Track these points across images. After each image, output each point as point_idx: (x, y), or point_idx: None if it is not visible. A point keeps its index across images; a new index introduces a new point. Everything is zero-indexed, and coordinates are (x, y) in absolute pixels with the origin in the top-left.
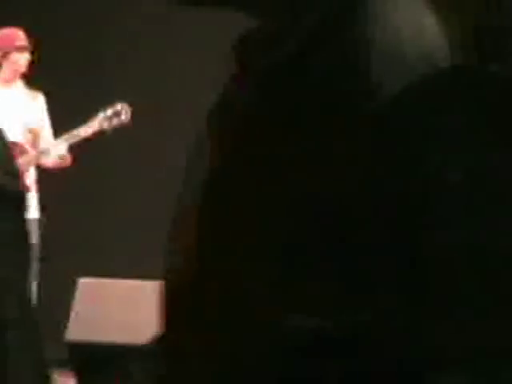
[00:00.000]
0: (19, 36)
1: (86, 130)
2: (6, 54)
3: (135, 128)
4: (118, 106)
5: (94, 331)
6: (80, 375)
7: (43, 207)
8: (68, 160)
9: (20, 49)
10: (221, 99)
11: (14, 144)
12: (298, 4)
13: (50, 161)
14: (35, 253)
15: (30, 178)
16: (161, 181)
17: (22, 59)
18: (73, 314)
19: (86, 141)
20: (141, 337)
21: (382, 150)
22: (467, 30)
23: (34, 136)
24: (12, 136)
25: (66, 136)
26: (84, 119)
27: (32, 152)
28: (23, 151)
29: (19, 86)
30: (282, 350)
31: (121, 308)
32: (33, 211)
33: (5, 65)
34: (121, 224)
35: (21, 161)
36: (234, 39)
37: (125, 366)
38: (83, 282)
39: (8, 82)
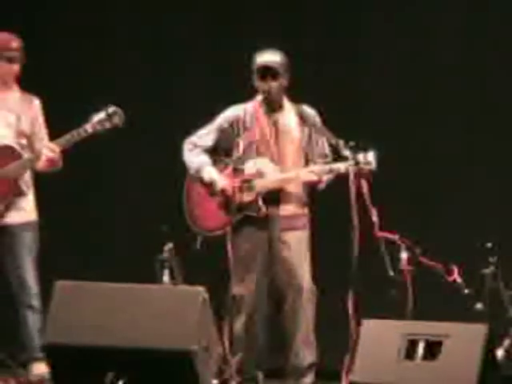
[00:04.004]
0: (9, 45)
1: (79, 133)
2: None
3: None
4: (111, 109)
5: (71, 334)
6: (57, 376)
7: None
8: (59, 164)
9: (7, 59)
10: None
11: (9, 148)
12: None
13: (41, 164)
14: (32, 254)
15: (26, 181)
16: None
17: (9, 69)
18: (50, 317)
19: (80, 144)
20: (118, 339)
21: None
22: None
23: (29, 140)
24: (7, 140)
25: (60, 139)
26: (78, 123)
27: (26, 156)
28: (18, 155)
29: (14, 90)
30: None
31: (98, 311)
32: (30, 214)
33: None
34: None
35: (15, 165)
36: None
37: (101, 368)
38: (60, 284)
39: (1, 88)
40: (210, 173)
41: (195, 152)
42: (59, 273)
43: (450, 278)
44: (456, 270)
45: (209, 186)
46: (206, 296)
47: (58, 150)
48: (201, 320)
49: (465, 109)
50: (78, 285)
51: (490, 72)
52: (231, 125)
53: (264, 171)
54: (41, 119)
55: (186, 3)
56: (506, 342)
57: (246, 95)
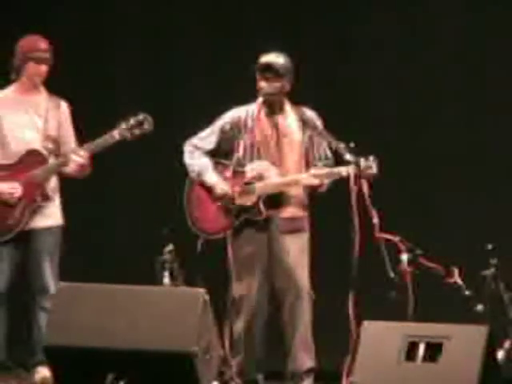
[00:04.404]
0: (40, 46)
1: (107, 140)
2: (25, 62)
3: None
4: (141, 116)
5: (72, 335)
6: (57, 378)
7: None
8: (88, 169)
9: (36, 60)
10: None
11: (36, 152)
12: None
13: (70, 169)
14: (54, 259)
15: (52, 186)
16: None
17: (38, 70)
18: (51, 318)
19: (108, 150)
20: (118, 341)
21: None
22: None
23: (56, 144)
24: (34, 144)
25: (88, 145)
26: (106, 129)
27: (53, 160)
28: (44, 160)
29: (42, 92)
30: None
31: (98, 312)
32: (55, 219)
33: (23, 73)
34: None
35: (42, 169)
36: None
37: (102, 370)
38: (61, 285)
39: (29, 90)
40: (212, 177)
41: (196, 154)
42: (60, 274)
43: (451, 280)
44: (456, 272)
45: (210, 189)
46: (207, 298)
47: (86, 155)
48: (201, 321)
49: (465, 109)
50: (78, 286)
51: (490, 72)
52: (232, 127)
53: (265, 174)
54: (68, 123)
55: (187, 3)
56: (507, 344)
57: (247, 97)
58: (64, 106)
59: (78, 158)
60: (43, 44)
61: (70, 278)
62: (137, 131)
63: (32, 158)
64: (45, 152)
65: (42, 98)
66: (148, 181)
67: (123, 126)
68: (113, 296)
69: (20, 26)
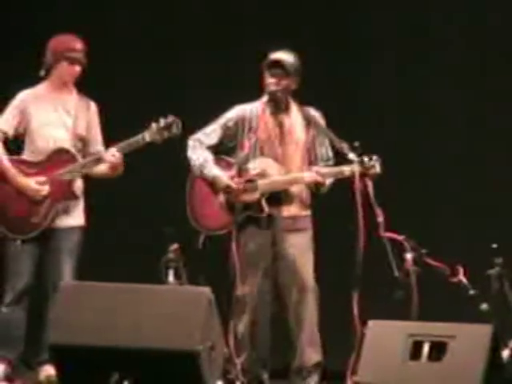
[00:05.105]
0: (75, 46)
1: (137, 141)
2: (58, 62)
3: None
4: (170, 119)
5: (76, 334)
6: (61, 377)
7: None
8: (121, 169)
9: (71, 60)
10: None
11: (66, 151)
12: None
13: (103, 169)
14: (74, 258)
15: (78, 185)
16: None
17: (71, 70)
18: (54, 317)
19: (138, 152)
20: (122, 340)
21: None
22: None
23: (84, 144)
24: (63, 142)
25: (121, 145)
26: (136, 130)
27: (81, 160)
28: (73, 159)
29: (72, 93)
30: None
31: (102, 311)
32: (78, 218)
33: (54, 72)
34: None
35: (71, 168)
36: None
37: (106, 369)
38: (64, 284)
39: (60, 89)
40: (213, 169)
41: (199, 149)
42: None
43: (455, 279)
44: (461, 271)
45: (212, 183)
46: (211, 296)
47: (118, 155)
48: (206, 320)
49: (465, 109)
50: (81, 285)
51: (490, 72)
52: (236, 124)
53: (268, 172)
54: (97, 124)
55: (187, 3)
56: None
57: (247, 97)
58: (93, 106)
59: (111, 158)
60: (78, 44)
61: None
62: (166, 133)
63: (61, 156)
64: (74, 151)
65: (73, 97)
66: (151, 180)
67: (154, 128)
68: (117, 295)
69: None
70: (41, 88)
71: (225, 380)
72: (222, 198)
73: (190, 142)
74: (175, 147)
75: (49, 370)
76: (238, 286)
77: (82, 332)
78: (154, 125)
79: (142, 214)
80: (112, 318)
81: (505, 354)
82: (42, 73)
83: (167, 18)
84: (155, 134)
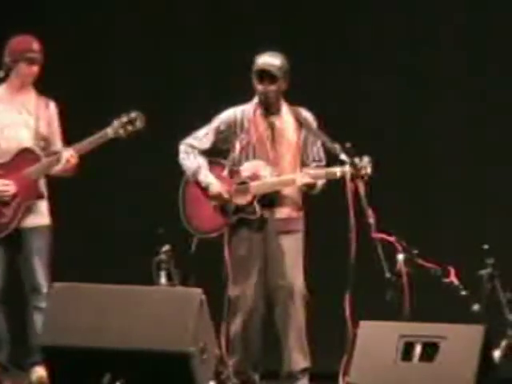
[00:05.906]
0: (31, 47)
1: (100, 137)
2: (16, 62)
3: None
4: (133, 114)
5: (68, 335)
6: (53, 378)
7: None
8: (76, 169)
9: (29, 60)
10: None
11: (30, 151)
12: None
13: (58, 168)
14: (44, 257)
15: (42, 184)
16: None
17: (30, 71)
18: (45, 318)
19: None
20: (115, 341)
21: None
22: None
23: (46, 142)
24: (26, 142)
25: (79, 144)
26: (98, 127)
27: (45, 159)
28: (37, 158)
29: (31, 93)
30: None
31: (95, 312)
32: (44, 217)
33: (13, 73)
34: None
35: (36, 167)
36: None
37: (98, 370)
38: (56, 286)
39: (19, 89)
40: (207, 176)
41: (192, 154)
42: (56, 274)
43: (447, 280)
44: (453, 272)
45: (205, 189)
46: (203, 298)
47: (76, 154)
48: (198, 322)
49: (465, 109)
50: (74, 286)
51: (490, 72)
52: (228, 126)
53: (260, 174)
54: (56, 123)
55: (187, 3)
56: (503, 343)
57: (247, 97)
58: (52, 105)
59: (70, 158)
60: (35, 45)
61: (66, 278)
62: (130, 128)
63: (25, 156)
64: (38, 150)
65: (32, 97)
66: (145, 181)
67: (116, 123)
68: (109, 296)
69: (15, 25)
70: (0, 89)
71: (217, 381)
72: (214, 202)
73: (182, 147)
74: (168, 148)
75: (40, 372)
76: (230, 287)
77: (74, 333)
78: (115, 121)
79: (134, 215)
80: (104, 320)
81: (496, 354)
82: (1, 74)
83: (167, 18)
84: (118, 129)
